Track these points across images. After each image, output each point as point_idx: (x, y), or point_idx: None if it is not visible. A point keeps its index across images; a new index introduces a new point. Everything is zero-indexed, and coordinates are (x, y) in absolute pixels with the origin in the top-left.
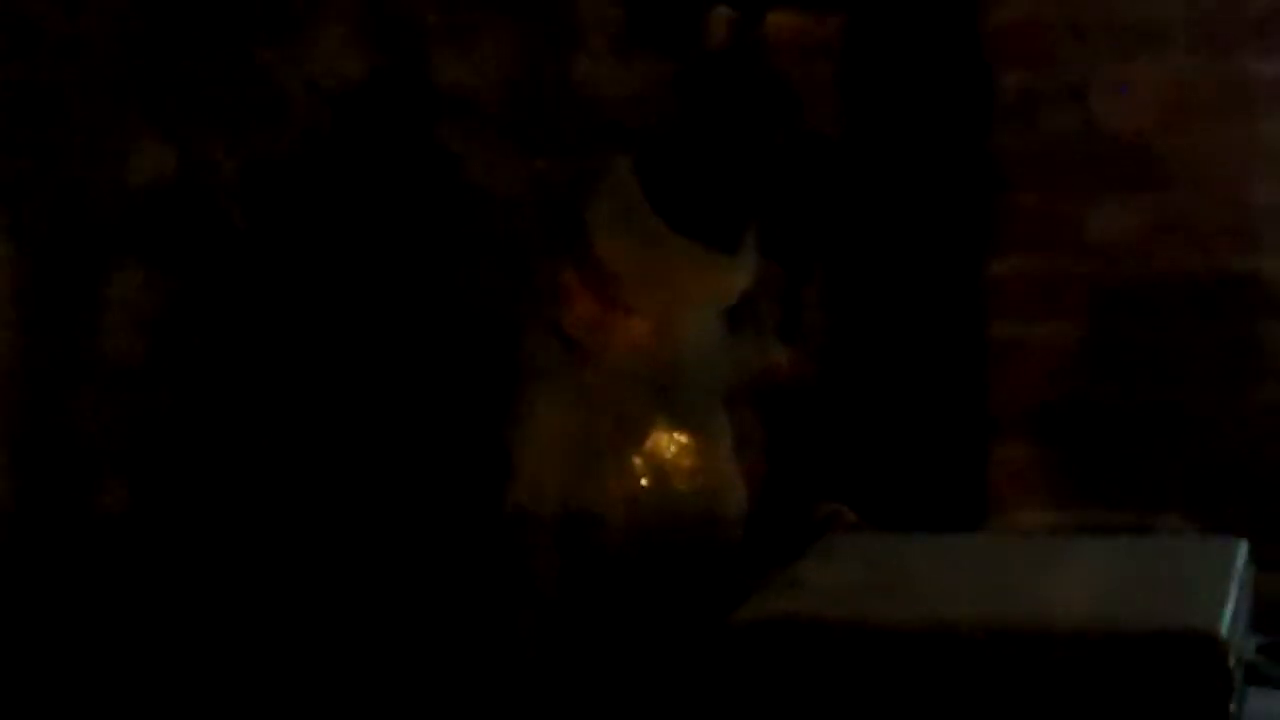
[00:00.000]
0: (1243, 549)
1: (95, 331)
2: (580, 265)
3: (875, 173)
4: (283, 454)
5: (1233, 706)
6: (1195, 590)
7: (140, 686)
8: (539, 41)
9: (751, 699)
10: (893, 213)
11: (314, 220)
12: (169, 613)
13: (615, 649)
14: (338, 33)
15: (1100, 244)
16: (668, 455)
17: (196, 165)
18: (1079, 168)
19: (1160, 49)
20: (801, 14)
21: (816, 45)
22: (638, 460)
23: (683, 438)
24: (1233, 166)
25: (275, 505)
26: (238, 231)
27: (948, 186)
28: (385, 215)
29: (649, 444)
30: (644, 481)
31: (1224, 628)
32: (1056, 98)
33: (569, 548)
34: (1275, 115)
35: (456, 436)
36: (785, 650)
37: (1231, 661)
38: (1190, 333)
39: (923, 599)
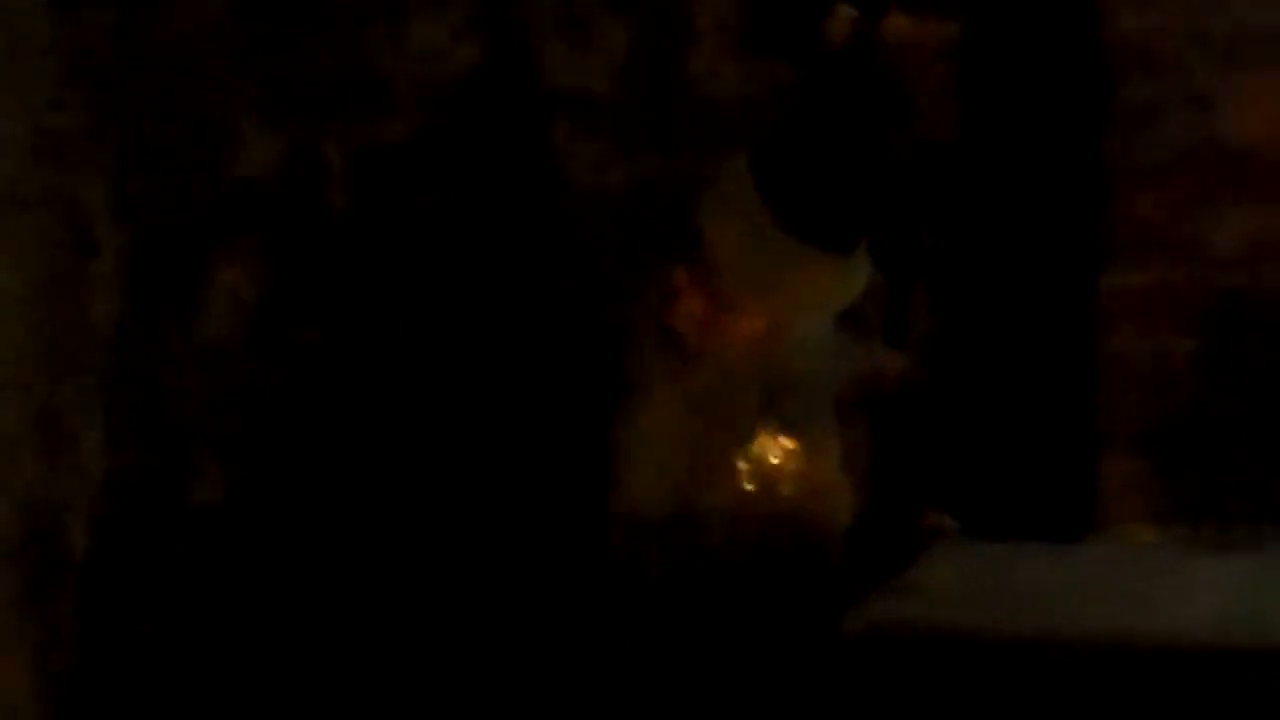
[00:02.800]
0: None
1: (196, 314)
2: (691, 265)
3: (990, 178)
4: (383, 447)
5: None
6: None
7: (236, 680)
8: (654, 39)
9: (863, 705)
10: (1006, 219)
11: (419, 212)
12: (267, 605)
13: (719, 652)
14: (448, 24)
15: (1216, 256)
16: (774, 460)
17: (303, 155)
18: (1198, 179)
19: None
20: (920, 17)
21: (934, 49)
22: (744, 464)
23: (789, 442)
24: None
25: (374, 498)
26: (342, 221)
27: (1064, 194)
28: (492, 210)
29: (755, 448)
30: (749, 485)
31: None
32: (1178, 107)
33: (674, 550)
34: None
35: (563, 437)
36: (899, 657)
37: None
38: None
39: (1037, 609)
